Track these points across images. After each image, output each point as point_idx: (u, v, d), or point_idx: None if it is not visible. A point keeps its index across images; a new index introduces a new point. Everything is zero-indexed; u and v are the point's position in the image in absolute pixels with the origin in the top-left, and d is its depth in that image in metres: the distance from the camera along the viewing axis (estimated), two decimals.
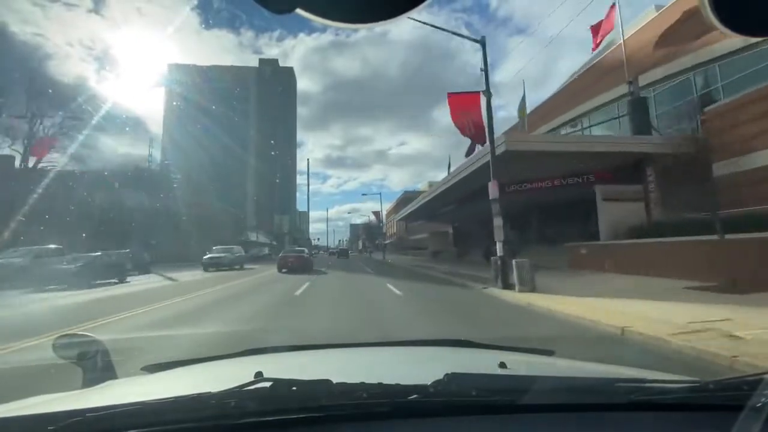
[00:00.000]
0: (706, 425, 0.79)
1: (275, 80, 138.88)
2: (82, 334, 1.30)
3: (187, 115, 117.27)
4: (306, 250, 23.30)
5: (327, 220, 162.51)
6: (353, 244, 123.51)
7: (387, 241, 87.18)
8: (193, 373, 1.36)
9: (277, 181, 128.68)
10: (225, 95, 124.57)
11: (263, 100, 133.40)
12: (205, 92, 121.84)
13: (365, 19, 0.58)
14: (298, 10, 0.54)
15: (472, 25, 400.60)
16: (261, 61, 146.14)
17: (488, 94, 11.23)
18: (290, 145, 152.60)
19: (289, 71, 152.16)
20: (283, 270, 18.73)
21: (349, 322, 6.19)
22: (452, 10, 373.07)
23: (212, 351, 2.43)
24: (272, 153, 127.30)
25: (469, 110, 13.34)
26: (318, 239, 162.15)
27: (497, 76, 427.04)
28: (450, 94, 13.58)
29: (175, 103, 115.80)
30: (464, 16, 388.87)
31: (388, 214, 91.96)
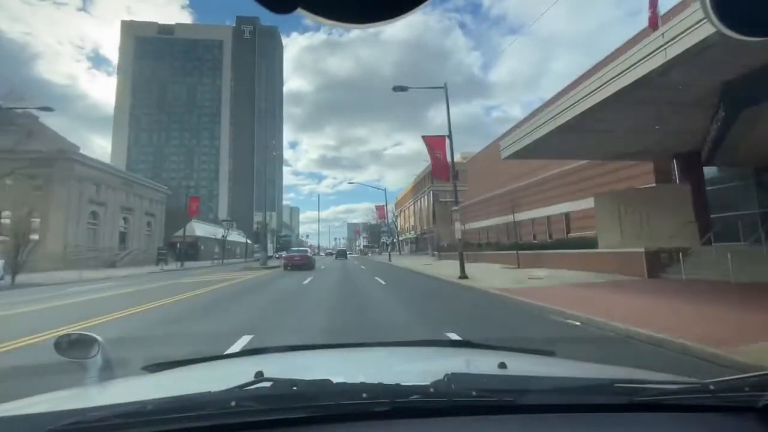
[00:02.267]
0: (707, 426, 0.80)
1: (256, 42, 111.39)
2: (83, 333, 1.30)
3: (144, 83, 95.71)
4: (308, 251, 27.83)
5: (318, 219, 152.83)
6: (352, 243, 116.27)
7: (402, 237, 67.94)
8: (194, 373, 1.38)
9: (269, 180, 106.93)
10: (192, 59, 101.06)
11: (241, 67, 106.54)
12: (166, 56, 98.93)
13: (366, 19, 0.57)
14: (299, 10, 0.54)
15: (465, 25, 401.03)
16: (239, 19, 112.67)
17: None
18: (274, 125, 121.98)
19: (273, 32, 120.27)
20: (288, 267, 21.62)
21: None
22: (445, 10, 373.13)
23: None
24: (252, 136, 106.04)
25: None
26: (308, 236, 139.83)
27: (492, 77, 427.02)
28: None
29: (127, 67, 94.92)
30: (457, 15, 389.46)
31: (402, 200, 74.46)
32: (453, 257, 22.87)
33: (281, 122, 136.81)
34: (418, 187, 63.49)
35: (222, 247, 45.74)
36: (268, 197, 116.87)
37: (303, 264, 21.98)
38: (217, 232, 55.36)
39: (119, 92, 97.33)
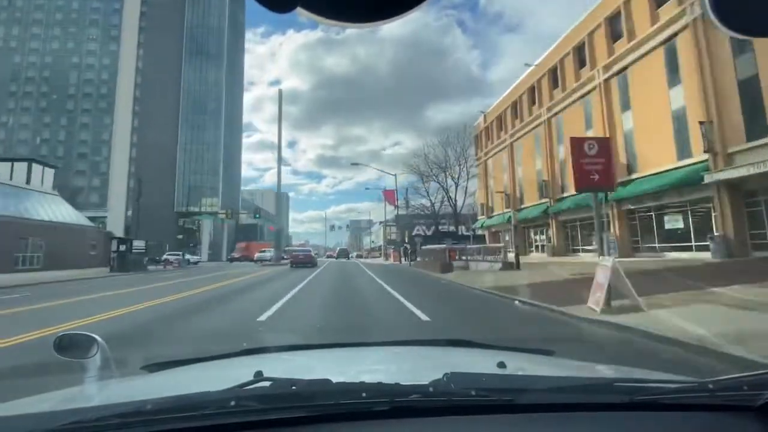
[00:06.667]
0: (706, 425, 0.81)
1: None
2: (83, 333, 1.31)
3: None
4: (311, 250, 32.73)
5: (288, 215, 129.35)
6: (358, 239, 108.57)
7: (487, 221, 32.07)
8: (193, 373, 1.39)
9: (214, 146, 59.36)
10: None
11: None
12: None
13: (365, 19, 0.57)
14: (299, 10, 0.54)
15: (463, 23, 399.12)
16: None
17: None
18: (222, 71, 73.73)
19: None
20: (293, 265, 26.45)
21: None
22: (442, 7, 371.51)
23: None
24: (180, 39, 64.44)
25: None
26: (269, 218, 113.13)
27: (491, 75, 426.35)
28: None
29: None
30: (455, 12, 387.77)
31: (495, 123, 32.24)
32: None
33: (240, 69, 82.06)
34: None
35: None
36: (208, 177, 61.31)
37: (307, 262, 27.33)
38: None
39: None
